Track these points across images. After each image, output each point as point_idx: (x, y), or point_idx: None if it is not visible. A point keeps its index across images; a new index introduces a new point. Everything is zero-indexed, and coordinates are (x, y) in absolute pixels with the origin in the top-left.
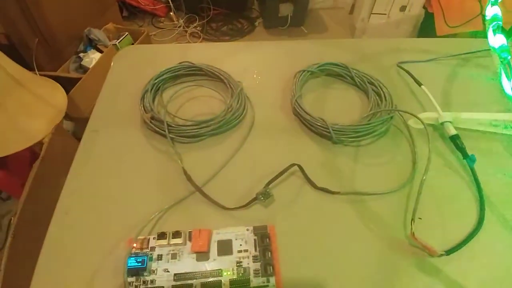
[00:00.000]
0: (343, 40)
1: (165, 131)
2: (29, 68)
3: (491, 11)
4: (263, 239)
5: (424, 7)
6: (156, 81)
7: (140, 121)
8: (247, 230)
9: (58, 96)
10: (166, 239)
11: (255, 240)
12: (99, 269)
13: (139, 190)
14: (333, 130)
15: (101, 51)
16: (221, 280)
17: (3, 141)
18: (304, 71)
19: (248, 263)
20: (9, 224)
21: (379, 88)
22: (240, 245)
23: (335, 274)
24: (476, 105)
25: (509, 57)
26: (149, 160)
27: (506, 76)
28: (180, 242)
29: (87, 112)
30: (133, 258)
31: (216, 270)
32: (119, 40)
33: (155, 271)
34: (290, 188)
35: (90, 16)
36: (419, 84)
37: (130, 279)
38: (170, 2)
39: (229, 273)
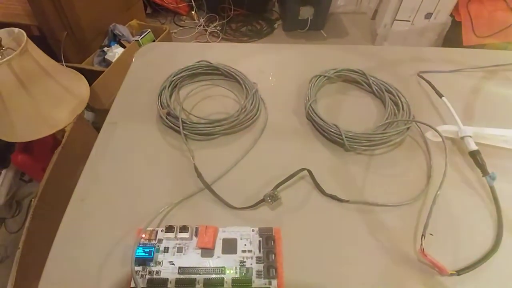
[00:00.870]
0: (362, 46)
1: (179, 127)
2: (57, 59)
3: None
4: (268, 241)
5: (451, 15)
6: (174, 78)
7: (156, 116)
8: (253, 230)
9: (81, 88)
10: (173, 232)
11: (260, 241)
12: (109, 255)
13: (151, 183)
14: (346, 137)
15: (124, 46)
16: (223, 278)
17: (29, 127)
18: (320, 76)
19: (251, 264)
20: (29, 206)
21: (397, 97)
22: (245, 245)
23: (338, 284)
24: (501, 121)
25: None
26: (162, 154)
27: None
28: (187, 237)
29: (107, 104)
30: (141, 248)
31: (220, 267)
32: (141, 37)
33: (161, 263)
34: (299, 192)
35: (115, 12)
36: (440, 96)
37: (137, 268)
38: (192, 1)
39: (232, 271)
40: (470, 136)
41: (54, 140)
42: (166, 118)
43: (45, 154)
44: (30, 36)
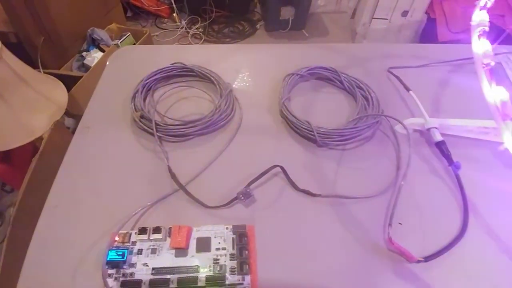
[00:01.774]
0: (336, 45)
1: (153, 130)
2: (35, 65)
3: (478, 16)
4: (241, 238)
5: (426, 12)
6: (147, 81)
7: (130, 120)
8: (227, 228)
9: (59, 94)
10: (146, 234)
11: (233, 238)
12: (83, 261)
13: (125, 186)
14: (317, 133)
15: (103, 51)
16: (197, 276)
17: (7, 136)
18: (293, 74)
19: (225, 261)
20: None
21: (367, 92)
22: (219, 243)
23: (312, 276)
24: (466, 112)
25: (492, 63)
26: (136, 157)
27: (487, 83)
28: (160, 238)
29: None
30: (113, 251)
31: (194, 266)
32: (121, 40)
33: (135, 265)
34: (272, 189)
35: (94, 16)
36: (408, 89)
37: (110, 271)
38: (173, 3)
39: (206, 269)
40: (436, 128)
41: (33, 148)
42: (140, 121)
43: (25, 162)
44: (8, 43)
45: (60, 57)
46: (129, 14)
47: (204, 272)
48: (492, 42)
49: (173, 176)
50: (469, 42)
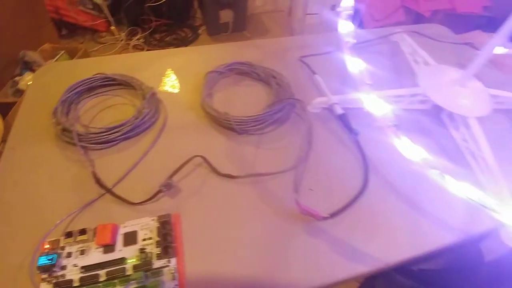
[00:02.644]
0: (256, 41)
1: (75, 141)
2: None
3: (345, 2)
4: (165, 226)
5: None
6: (69, 94)
7: (54, 135)
8: (152, 220)
9: None
10: (73, 237)
11: (158, 227)
12: (20, 270)
13: (54, 198)
14: (235, 122)
15: None
16: (125, 267)
17: None
18: (213, 71)
19: (151, 249)
20: None
21: (279, 80)
22: (145, 234)
23: (236, 251)
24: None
25: (352, 41)
26: (62, 170)
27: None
28: (86, 239)
29: None
30: (44, 257)
31: (120, 258)
32: (54, 59)
33: (65, 267)
34: (196, 178)
35: (23, 38)
36: (314, 73)
37: (43, 276)
38: (110, 16)
39: (133, 260)
40: (337, 103)
41: None
42: (63, 134)
43: None
44: None
45: None
46: (64, 32)
47: (131, 262)
48: (407, 23)
49: (97, 180)
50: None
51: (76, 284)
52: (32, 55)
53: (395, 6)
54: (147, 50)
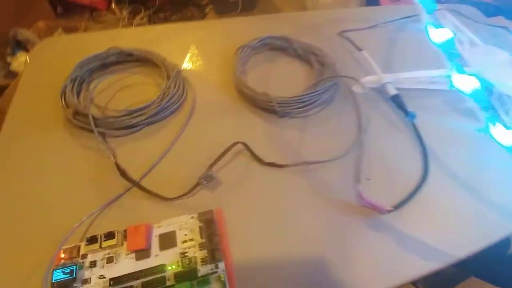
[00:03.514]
0: (286, 14)
1: (91, 125)
2: None
3: None
4: (209, 225)
5: None
6: (79, 72)
7: (64, 120)
8: (192, 218)
9: None
10: (97, 242)
11: (200, 227)
12: None
13: (67, 195)
14: (277, 103)
15: None
16: (164, 276)
17: None
18: (245, 47)
19: (194, 253)
20: None
21: (321, 57)
22: (185, 234)
23: (288, 247)
24: (414, 65)
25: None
26: (76, 160)
27: (432, 25)
28: (115, 243)
29: None
30: (59, 270)
31: (158, 266)
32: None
33: (89, 280)
34: (237, 168)
35: (14, 15)
36: (360, 50)
37: None
38: None
39: (173, 266)
40: (390, 83)
41: None
42: (75, 118)
43: None
44: None
45: None
46: (59, 10)
47: (171, 270)
48: None
49: (122, 173)
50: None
51: None
52: (24, 33)
53: None
54: None
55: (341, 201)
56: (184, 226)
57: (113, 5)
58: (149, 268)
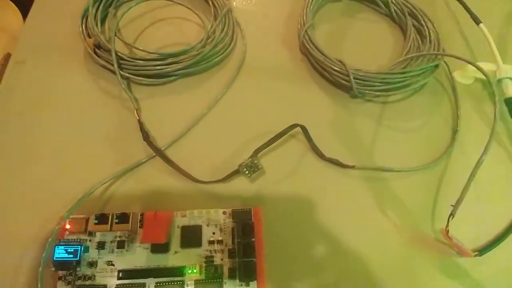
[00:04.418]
0: None
1: (114, 65)
2: None
3: None
4: (245, 229)
5: None
6: None
7: (84, 51)
8: (224, 213)
9: (9, 17)
10: (108, 224)
11: (233, 228)
12: (22, 261)
13: (76, 153)
14: (354, 78)
15: None
16: (183, 281)
17: None
18: None
19: (222, 259)
20: None
21: (423, 23)
22: (213, 233)
23: (340, 272)
24: None
25: None
26: (92, 108)
27: None
28: (128, 229)
29: None
30: (62, 247)
31: (177, 267)
32: None
33: (95, 264)
34: (288, 157)
35: None
36: (477, 22)
37: (61, 273)
38: None
39: (195, 271)
40: (510, 79)
41: None
42: (95, 52)
43: None
44: None
45: None
46: None
47: (192, 276)
48: None
49: (145, 136)
50: None
51: None
52: None
53: None
54: None
55: (413, 227)
56: (213, 222)
57: None
58: (165, 268)
